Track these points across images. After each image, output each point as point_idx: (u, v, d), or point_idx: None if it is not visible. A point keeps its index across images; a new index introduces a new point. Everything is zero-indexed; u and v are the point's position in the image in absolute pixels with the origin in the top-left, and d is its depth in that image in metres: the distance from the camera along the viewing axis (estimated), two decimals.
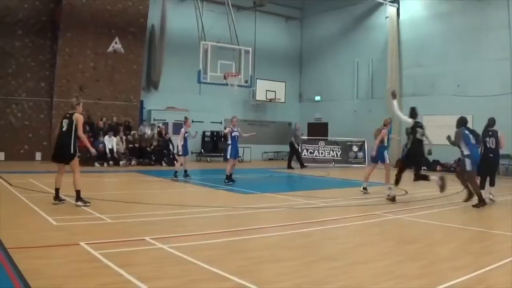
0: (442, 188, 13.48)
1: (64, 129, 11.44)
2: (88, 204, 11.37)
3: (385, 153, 16.27)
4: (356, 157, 30.18)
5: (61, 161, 11.64)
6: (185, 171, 19.35)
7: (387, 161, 16.38)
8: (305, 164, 27.22)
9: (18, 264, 6.32)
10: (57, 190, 11.56)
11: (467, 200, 13.76)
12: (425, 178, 13.98)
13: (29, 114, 25.39)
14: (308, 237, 9.06)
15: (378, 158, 16.31)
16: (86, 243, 7.57)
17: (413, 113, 14.23)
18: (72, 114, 11.53)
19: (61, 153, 11.55)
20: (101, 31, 26.23)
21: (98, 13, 25.84)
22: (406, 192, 15.91)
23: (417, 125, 14.01)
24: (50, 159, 12.19)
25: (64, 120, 11.54)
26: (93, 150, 13.17)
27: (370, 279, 6.32)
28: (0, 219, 9.30)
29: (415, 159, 14.08)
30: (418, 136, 13.88)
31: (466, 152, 13.57)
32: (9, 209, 10.74)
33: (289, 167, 26.58)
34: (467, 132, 13.73)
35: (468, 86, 25.74)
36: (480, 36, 25.11)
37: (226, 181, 17.57)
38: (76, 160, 11.57)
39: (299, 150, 28.01)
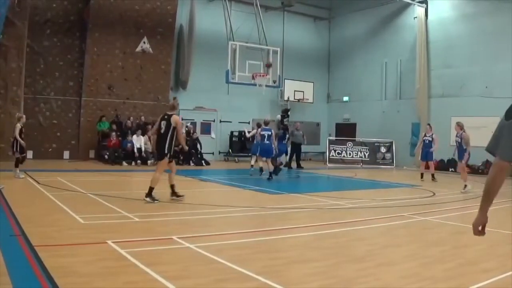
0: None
1: (162, 130, 12.16)
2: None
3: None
4: (384, 158, 30.01)
5: (157, 158, 12.70)
6: (277, 167, 20.10)
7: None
8: (302, 165, 26.68)
9: (45, 262, 6.36)
10: (151, 189, 12.10)
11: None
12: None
13: (57, 113, 25.54)
14: (336, 238, 9.02)
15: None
16: (113, 242, 7.62)
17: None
18: (170, 116, 12.20)
19: (157, 151, 12.62)
20: (129, 31, 26.39)
21: (126, 13, 26.00)
22: (434, 194, 15.81)
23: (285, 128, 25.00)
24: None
25: (162, 122, 12.24)
26: (186, 148, 15.01)
27: (397, 281, 6.28)
28: (27, 217, 9.41)
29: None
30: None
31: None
32: (36, 207, 10.88)
33: (289, 166, 25.89)
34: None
35: (496, 87, 25.31)
36: (509, 37, 24.66)
37: (270, 178, 18.76)
38: (165, 160, 12.30)
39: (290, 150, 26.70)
